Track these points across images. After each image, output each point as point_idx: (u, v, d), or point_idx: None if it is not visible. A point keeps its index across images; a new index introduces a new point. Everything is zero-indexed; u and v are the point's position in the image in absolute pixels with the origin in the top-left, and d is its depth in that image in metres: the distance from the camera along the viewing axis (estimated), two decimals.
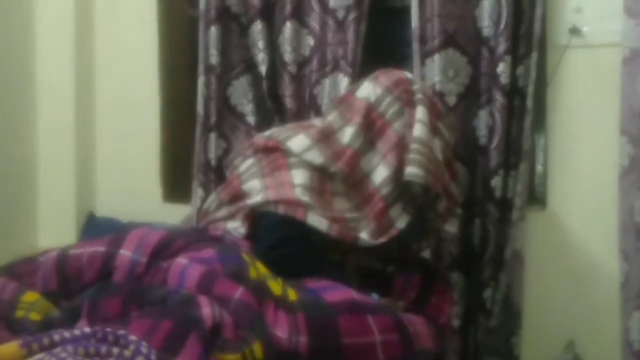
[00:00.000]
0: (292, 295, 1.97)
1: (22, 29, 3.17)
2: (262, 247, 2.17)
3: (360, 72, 2.77)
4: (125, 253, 2.02)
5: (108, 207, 3.25)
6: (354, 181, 2.28)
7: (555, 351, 2.73)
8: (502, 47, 2.66)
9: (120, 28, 3.28)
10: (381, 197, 2.25)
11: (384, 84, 2.34)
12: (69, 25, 3.21)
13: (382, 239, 2.24)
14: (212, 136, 2.99)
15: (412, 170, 2.21)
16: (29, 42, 3.18)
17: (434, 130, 2.31)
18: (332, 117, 2.38)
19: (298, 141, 2.28)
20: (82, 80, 3.24)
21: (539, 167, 2.87)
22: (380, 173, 2.28)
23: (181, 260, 1.96)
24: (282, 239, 2.19)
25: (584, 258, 2.79)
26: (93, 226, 3.19)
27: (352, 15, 2.82)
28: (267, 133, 2.45)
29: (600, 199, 2.74)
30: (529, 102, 2.71)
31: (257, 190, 2.26)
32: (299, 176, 2.23)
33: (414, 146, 2.23)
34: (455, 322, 2.73)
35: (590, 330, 2.76)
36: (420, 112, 2.28)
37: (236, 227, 2.28)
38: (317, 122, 2.45)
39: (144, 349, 1.50)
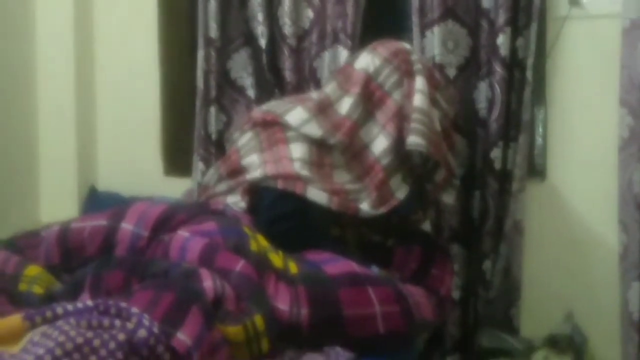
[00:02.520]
0: (293, 267, 1.98)
1: (22, 7, 3.15)
2: (262, 221, 2.17)
3: (359, 45, 2.76)
4: (127, 227, 2.03)
5: (109, 181, 3.25)
6: (354, 152, 2.28)
7: (555, 322, 2.73)
8: (501, 18, 2.65)
9: (119, 4, 3.26)
10: (382, 168, 2.26)
11: (382, 55, 2.33)
12: (69, 2, 3.18)
13: (383, 209, 2.24)
14: (212, 110, 2.99)
15: (414, 139, 2.21)
16: (28, 20, 3.16)
17: (432, 100, 2.31)
18: (330, 89, 2.37)
19: (296, 114, 2.28)
20: (82, 54, 3.23)
21: (538, 139, 2.86)
22: (380, 143, 2.27)
23: (182, 233, 1.97)
24: (282, 214, 2.19)
25: (584, 230, 2.80)
26: (95, 200, 3.19)
27: None
28: (265, 107, 2.45)
29: (600, 171, 2.74)
30: (529, 74, 2.70)
31: (256, 164, 2.26)
32: (298, 150, 2.23)
33: (415, 116, 2.23)
34: (455, 294, 2.74)
35: (589, 302, 2.77)
36: (420, 82, 2.28)
37: (236, 201, 2.28)
38: (315, 94, 2.45)
39: (146, 321, 1.51)
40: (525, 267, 2.81)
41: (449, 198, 2.45)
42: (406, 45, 2.44)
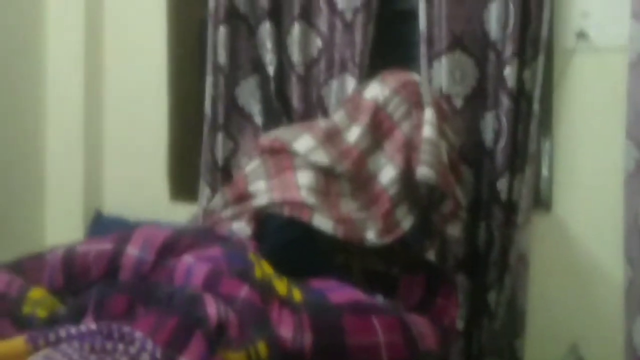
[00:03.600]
0: (297, 295, 1.97)
1: (32, 27, 3.18)
2: (267, 248, 2.17)
3: (367, 74, 2.77)
4: (132, 251, 2.02)
5: (115, 205, 3.26)
6: (361, 181, 2.28)
7: (559, 354, 2.72)
8: (509, 50, 2.66)
9: (129, 28, 3.29)
10: (388, 197, 2.25)
11: (391, 85, 2.34)
12: (79, 26, 3.21)
13: (388, 239, 2.24)
14: (220, 136, 3.00)
15: (423, 171, 2.21)
16: (39, 43, 3.19)
17: (441, 132, 2.31)
18: (338, 117, 2.38)
19: (304, 142, 2.28)
20: (90, 79, 3.25)
21: (544, 171, 2.85)
22: (388, 173, 2.27)
23: (187, 258, 1.96)
24: (287, 241, 2.19)
25: (589, 261, 2.78)
26: (100, 224, 3.19)
27: (360, 17, 2.82)
28: (273, 134, 2.45)
29: (606, 203, 2.73)
30: (536, 106, 2.70)
31: (262, 191, 2.26)
32: (305, 177, 2.23)
33: (424, 147, 2.23)
34: (460, 324, 2.72)
35: (594, 334, 2.75)
36: (429, 114, 2.28)
37: (242, 227, 2.27)
38: (324, 122, 2.45)
39: (149, 346, 1.51)
40: (530, 298, 2.79)
41: (454, 230, 2.44)
42: (415, 77, 2.45)
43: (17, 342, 1.52)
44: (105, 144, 3.32)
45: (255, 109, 3.02)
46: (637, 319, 2.61)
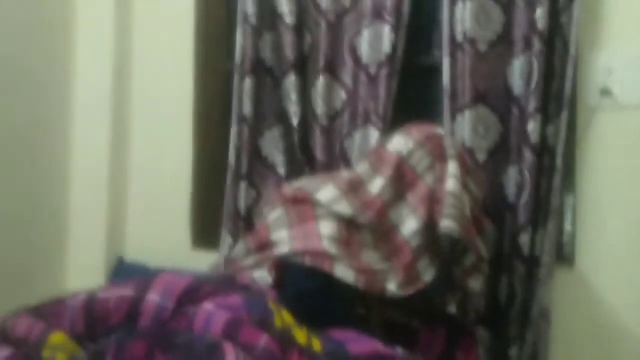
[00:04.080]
0: (316, 345, 1.96)
1: (60, 77, 3.23)
2: (288, 297, 2.16)
3: (390, 127, 2.78)
4: (153, 298, 2.02)
5: (138, 252, 3.26)
6: (383, 232, 2.27)
7: None
8: (532, 106, 2.67)
9: (156, 78, 3.33)
10: (410, 249, 2.25)
11: (416, 138, 2.35)
12: (107, 75, 3.25)
13: (410, 291, 2.22)
14: (243, 185, 3.01)
15: (447, 224, 2.21)
16: (65, 84, 3.23)
17: (464, 185, 2.31)
18: (362, 168, 2.39)
19: (327, 192, 2.29)
20: (116, 127, 3.28)
21: (567, 226, 2.84)
22: (410, 225, 2.27)
23: (208, 306, 1.96)
24: (308, 290, 2.18)
25: (613, 319, 2.75)
26: (122, 271, 3.20)
27: (384, 71, 2.84)
28: (296, 184, 2.46)
29: (630, 261, 2.71)
30: (559, 161, 2.69)
31: (285, 240, 2.26)
32: (327, 227, 2.23)
33: (448, 200, 2.23)
34: None
35: None
36: (453, 167, 2.29)
37: (263, 276, 2.27)
38: (347, 173, 2.46)
39: None
40: (552, 354, 2.75)
41: (476, 284, 2.42)
42: (440, 130, 2.47)
43: None
44: (129, 191, 3.34)
45: (278, 160, 3.04)
46: None
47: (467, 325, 2.64)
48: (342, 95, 2.94)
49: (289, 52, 2.96)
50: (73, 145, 3.26)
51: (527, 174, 2.69)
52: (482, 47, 2.75)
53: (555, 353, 2.76)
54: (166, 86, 3.31)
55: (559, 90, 2.68)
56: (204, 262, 2.91)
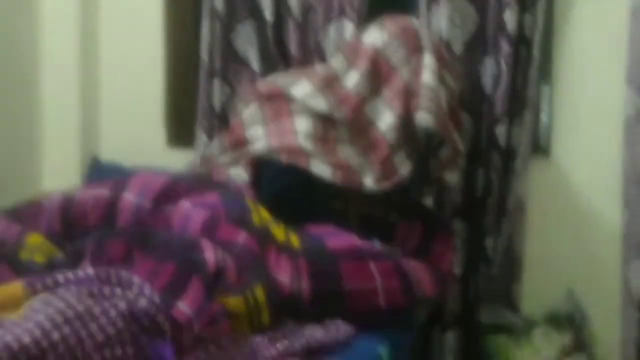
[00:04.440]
0: (294, 241, 1.98)
1: None
2: (265, 194, 2.16)
3: (365, 20, 2.73)
4: (129, 197, 2.02)
5: (112, 152, 3.24)
6: (359, 127, 2.26)
7: (556, 300, 2.74)
8: None
9: None
10: (387, 144, 2.24)
11: (391, 30, 2.32)
12: None
13: (386, 185, 2.23)
14: (216, 82, 2.97)
15: (422, 116, 2.20)
16: None
17: (440, 78, 2.29)
18: (336, 63, 2.36)
19: (301, 87, 2.27)
20: (86, 27, 3.20)
21: (543, 117, 2.84)
22: (386, 119, 2.26)
23: (185, 204, 1.96)
24: (285, 187, 2.18)
25: (587, 208, 2.78)
26: (97, 171, 3.17)
27: None
28: (270, 79, 2.44)
29: (605, 149, 2.72)
30: (535, 51, 2.68)
31: (259, 137, 2.25)
32: (302, 123, 2.22)
33: (423, 93, 2.22)
34: (457, 270, 2.73)
35: (590, 279, 2.76)
36: (428, 59, 2.26)
37: (239, 173, 2.27)
38: (321, 68, 2.43)
39: (146, 291, 1.51)
40: (527, 244, 2.80)
41: (452, 176, 2.44)
42: (415, 22, 2.43)
43: (15, 287, 1.52)
44: (101, 91, 3.28)
45: (252, 55, 2.98)
46: (634, 264, 2.63)
47: (443, 218, 2.67)
48: None
49: None
50: (42, 47, 3.19)
51: (503, 65, 2.67)
52: None
53: (530, 242, 2.80)
54: None
55: None
56: (179, 160, 2.90)
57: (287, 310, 1.82)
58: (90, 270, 1.59)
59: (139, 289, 1.51)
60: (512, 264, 2.80)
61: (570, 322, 2.68)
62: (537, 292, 2.81)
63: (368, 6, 2.79)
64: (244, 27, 2.97)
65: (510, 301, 2.80)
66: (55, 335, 1.33)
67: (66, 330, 1.35)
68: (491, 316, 2.72)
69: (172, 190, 2.04)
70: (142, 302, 1.48)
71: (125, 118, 3.23)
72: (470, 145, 2.74)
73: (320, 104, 2.23)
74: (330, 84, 2.29)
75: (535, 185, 2.80)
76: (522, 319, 2.71)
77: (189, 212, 1.94)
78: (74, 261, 1.81)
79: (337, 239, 2.02)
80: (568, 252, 2.79)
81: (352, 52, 2.35)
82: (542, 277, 2.80)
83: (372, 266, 1.94)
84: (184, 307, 1.54)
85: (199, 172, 2.48)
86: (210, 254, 1.73)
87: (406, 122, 2.25)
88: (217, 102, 2.97)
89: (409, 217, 2.38)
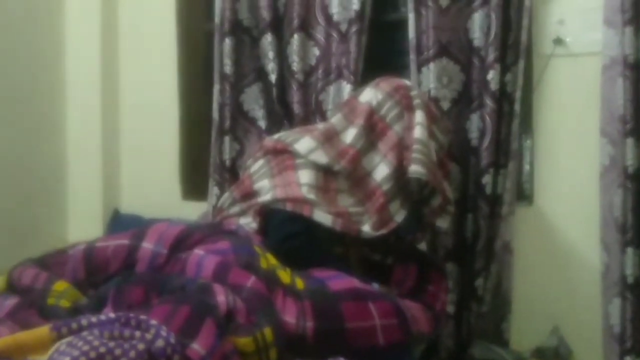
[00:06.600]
0: (299, 284, 1.97)
1: (51, 35, 3.18)
2: (272, 241, 2.17)
3: (361, 80, 2.77)
4: (147, 245, 2.02)
5: (132, 204, 3.26)
6: (357, 178, 2.28)
7: (542, 336, 2.72)
8: (491, 56, 2.66)
9: (144, 40, 3.29)
10: (382, 193, 2.25)
11: (384, 90, 2.34)
12: (95, 36, 3.22)
13: (383, 231, 2.24)
14: (227, 139, 3.00)
15: (415, 168, 2.21)
16: (58, 49, 3.19)
17: (430, 132, 2.31)
18: (336, 120, 2.38)
19: (304, 143, 2.28)
20: (107, 88, 3.25)
21: (526, 166, 2.86)
22: (382, 171, 2.27)
23: (198, 251, 1.96)
24: (290, 234, 2.19)
25: (568, 249, 2.78)
26: (118, 222, 3.19)
27: (354, 28, 2.82)
28: (276, 136, 2.46)
29: (583, 196, 2.73)
30: (517, 107, 2.71)
31: (267, 189, 2.26)
32: (305, 176, 2.23)
33: (415, 146, 2.23)
34: (450, 309, 2.73)
35: (574, 316, 2.75)
36: (419, 116, 2.29)
37: (248, 222, 2.28)
38: (322, 125, 2.46)
39: (163, 332, 1.50)
40: (515, 284, 2.80)
41: (443, 223, 2.44)
42: (407, 82, 2.46)
43: (43, 331, 1.52)
44: (121, 149, 3.32)
45: (259, 114, 3.02)
46: (613, 301, 2.62)
47: (436, 260, 2.67)
48: (316, 52, 2.92)
49: (265, 13, 2.93)
50: (67, 107, 3.23)
51: (488, 120, 2.70)
52: (444, 2, 2.73)
53: (518, 282, 2.80)
54: (152, 49, 3.27)
55: (515, 41, 2.68)
56: (193, 212, 2.92)
57: (293, 348, 1.81)
58: (111, 314, 1.58)
59: (157, 331, 1.51)
60: (501, 303, 2.79)
61: (556, 356, 2.66)
62: (525, 328, 2.80)
63: (363, 68, 2.84)
64: (251, 89, 3.02)
65: (500, 337, 2.79)
66: None
67: None
68: (483, 352, 2.70)
69: (186, 238, 2.04)
70: (160, 343, 1.48)
71: (144, 174, 3.27)
72: (459, 193, 2.76)
73: (322, 157, 2.25)
74: (330, 139, 2.30)
75: (521, 230, 2.80)
76: (512, 354, 2.69)
77: (202, 259, 1.94)
78: (96, 306, 1.81)
79: (339, 281, 2.01)
80: (553, 291, 2.79)
81: (349, 110, 2.37)
82: (529, 314, 2.79)
83: (371, 306, 1.93)
84: (197, 347, 1.53)
85: (211, 222, 2.49)
86: (221, 297, 1.73)
87: (400, 173, 2.26)
88: (227, 157, 3.00)
89: (404, 260, 2.38)
